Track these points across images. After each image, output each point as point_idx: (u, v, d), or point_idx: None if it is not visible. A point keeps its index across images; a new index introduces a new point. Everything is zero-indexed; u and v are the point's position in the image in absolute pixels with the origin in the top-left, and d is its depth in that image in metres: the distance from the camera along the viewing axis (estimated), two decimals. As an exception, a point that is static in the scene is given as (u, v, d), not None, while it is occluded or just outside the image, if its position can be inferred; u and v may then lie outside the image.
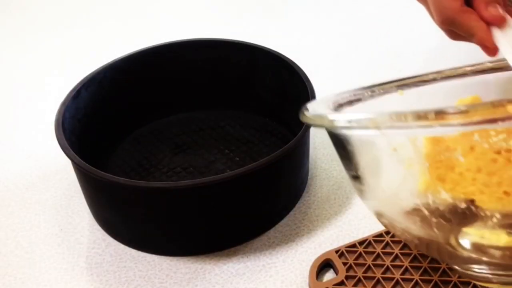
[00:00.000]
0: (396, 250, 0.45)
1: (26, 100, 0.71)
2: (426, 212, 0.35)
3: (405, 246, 0.45)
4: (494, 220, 0.35)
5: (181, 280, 0.45)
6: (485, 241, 0.35)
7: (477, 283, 0.40)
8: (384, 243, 0.46)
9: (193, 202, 0.45)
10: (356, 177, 0.38)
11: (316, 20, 0.86)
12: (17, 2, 1.00)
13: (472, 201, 0.35)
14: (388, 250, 0.45)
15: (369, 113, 0.32)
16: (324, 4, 0.91)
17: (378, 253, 0.45)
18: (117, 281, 0.46)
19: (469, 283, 0.42)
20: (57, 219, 0.52)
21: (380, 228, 0.48)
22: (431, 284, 0.42)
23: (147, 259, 0.47)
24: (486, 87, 0.45)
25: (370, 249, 0.45)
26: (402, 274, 0.43)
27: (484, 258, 0.35)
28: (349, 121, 0.33)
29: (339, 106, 0.41)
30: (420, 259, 0.44)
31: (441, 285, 0.42)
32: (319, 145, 0.59)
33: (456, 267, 0.40)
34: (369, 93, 0.44)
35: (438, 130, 0.33)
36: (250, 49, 0.60)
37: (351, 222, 0.50)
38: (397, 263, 0.44)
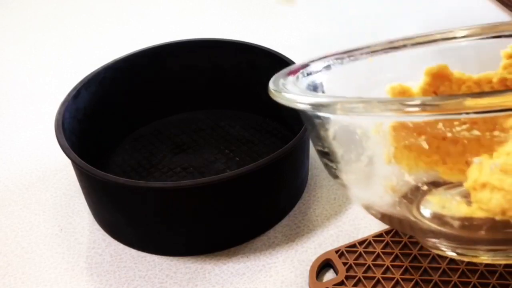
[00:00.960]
0: (396, 250, 0.45)
1: (26, 100, 0.71)
2: (391, 192, 0.36)
3: (405, 246, 0.45)
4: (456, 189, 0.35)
5: (181, 280, 0.45)
6: (446, 211, 0.35)
7: (436, 251, 0.40)
8: (384, 243, 0.46)
9: (193, 202, 0.45)
10: (324, 153, 0.38)
11: (317, 20, 0.86)
12: (17, 1, 1.00)
13: (433, 183, 0.35)
14: (388, 250, 0.45)
15: (334, 97, 0.32)
16: (325, 3, 0.91)
17: (378, 253, 0.45)
18: (117, 281, 0.46)
19: (469, 283, 0.42)
20: (57, 219, 0.52)
21: (380, 228, 0.48)
22: (431, 284, 0.42)
23: (147, 259, 0.47)
24: (457, 54, 0.46)
25: (370, 249, 0.45)
26: (402, 274, 0.43)
27: (443, 229, 0.35)
28: (314, 104, 0.33)
29: (308, 75, 0.42)
30: (420, 259, 0.44)
31: (441, 285, 0.42)
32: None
33: (418, 239, 0.40)
34: (339, 60, 0.44)
35: (401, 119, 0.34)
36: (250, 49, 0.60)
37: (351, 222, 0.50)
38: (397, 263, 0.44)
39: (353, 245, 0.46)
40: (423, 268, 0.43)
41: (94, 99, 0.56)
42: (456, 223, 0.34)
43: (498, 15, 0.82)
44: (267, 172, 0.46)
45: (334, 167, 0.38)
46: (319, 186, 0.54)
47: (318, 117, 0.36)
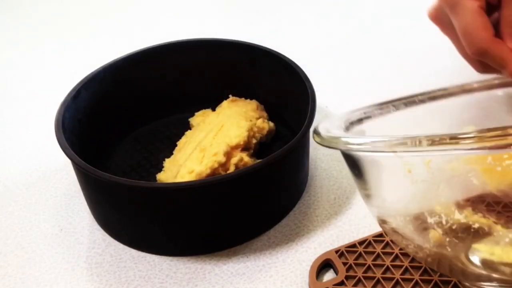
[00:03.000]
0: (396, 250, 0.45)
1: (26, 100, 0.71)
2: (440, 231, 0.35)
3: (405, 246, 0.45)
4: (506, 239, 0.35)
5: (181, 280, 0.45)
6: (495, 258, 0.35)
7: None
8: (384, 243, 0.46)
9: (193, 202, 0.45)
10: (368, 195, 0.38)
11: (317, 20, 0.86)
12: (17, 2, 1.00)
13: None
14: (388, 250, 0.45)
15: (383, 136, 0.32)
16: (325, 3, 0.91)
17: (378, 253, 0.45)
18: (117, 281, 0.46)
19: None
20: (57, 219, 0.52)
21: (380, 228, 0.48)
22: (431, 284, 0.42)
23: (147, 259, 0.47)
24: (492, 103, 0.45)
25: (370, 249, 0.45)
26: (402, 274, 0.43)
27: (495, 275, 0.35)
28: (362, 144, 0.33)
29: (350, 125, 0.42)
30: (420, 259, 0.44)
31: (441, 285, 0.42)
32: (319, 145, 0.59)
33: (467, 284, 0.40)
34: (379, 110, 0.44)
35: (451, 153, 0.33)
36: (250, 49, 0.60)
37: (351, 222, 0.50)
38: (397, 263, 0.44)
39: (353, 245, 0.46)
40: (423, 268, 0.43)
41: (94, 99, 0.56)
42: (507, 270, 0.34)
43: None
44: (267, 172, 0.46)
45: (380, 206, 0.38)
46: (319, 186, 0.54)
47: (363, 162, 0.36)
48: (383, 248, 0.45)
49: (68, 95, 0.53)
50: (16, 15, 0.96)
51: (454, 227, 0.35)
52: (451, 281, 0.42)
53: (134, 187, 0.44)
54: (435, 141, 0.29)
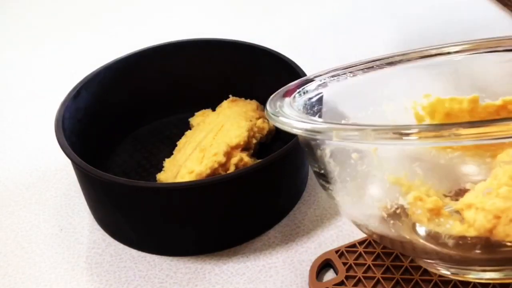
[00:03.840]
0: (396, 250, 0.45)
1: (26, 100, 0.71)
2: (385, 215, 0.37)
3: (405, 246, 0.45)
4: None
5: (181, 280, 0.45)
6: (440, 229, 0.36)
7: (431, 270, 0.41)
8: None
9: (193, 202, 0.45)
10: (320, 174, 0.39)
11: (317, 20, 0.86)
12: (17, 2, 1.00)
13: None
14: (388, 250, 0.45)
15: (328, 124, 0.33)
16: (325, 3, 0.91)
17: (378, 253, 0.45)
18: (117, 281, 0.46)
19: (469, 283, 0.42)
20: (57, 219, 0.52)
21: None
22: (431, 284, 0.42)
23: (147, 259, 0.47)
24: (453, 68, 0.46)
25: (370, 249, 0.45)
26: (402, 274, 0.43)
27: (438, 248, 0.36)
28: (310, 131, 0.34)
29: (304, 93, 0.42)
30: (420, 259, 0.44)
31: (440, 285, 0.42)
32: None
33: (421, 263, 0.41)
34: (336, 77, 0.45)
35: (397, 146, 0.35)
36: (250, 49, 0.60)
37: (351, 222, 0.50)
38: (397, 263, 0.44)
39: (353, 245, 0.46)
40: (423, 269, 0.43)
41: (94, 99, 0.56)
42: (451, 242, 0.35)
43: (498, 15, 0.82)
44: (267, 172, 0.46)
45: (331, 188, 0.39)
46: (319, 186, 0.54)
47: (314, 139, 0.37)
48: (383, 248, 0.45)
49: (68, 95, 0.53)
50: (16, 15, 0.96)
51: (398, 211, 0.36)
52: (452, 281, 0.42)
53: (134, 187, 0.44)
54: (381, 135, 0.30)
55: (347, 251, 0.45)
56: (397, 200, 0.36)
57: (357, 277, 0.43)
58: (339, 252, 0.45)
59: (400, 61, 0.46)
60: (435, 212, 0.35)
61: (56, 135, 0.48)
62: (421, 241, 0.37)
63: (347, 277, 0.43)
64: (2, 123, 0.67)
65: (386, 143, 0.32)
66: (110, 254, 0.48)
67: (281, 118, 0.36)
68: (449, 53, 0.47)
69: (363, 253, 0.45)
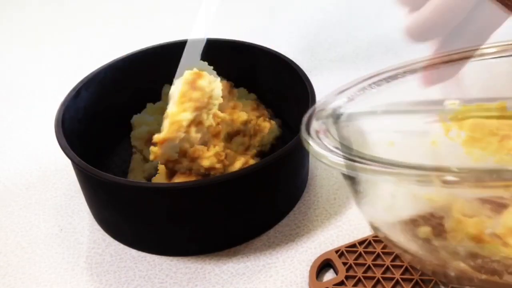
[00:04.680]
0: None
1: (26, 100, 0.71)
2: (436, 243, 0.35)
3: (405, 246, 0.45)
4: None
5: (181, 280, 0.45)
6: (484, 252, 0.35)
7: None
8: (384, 243, 0.46)
9: (193, 202, 0.45)
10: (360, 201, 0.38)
11: (317, 20, 0.86)
12: (17, 2, 1.00)
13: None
14: (388, 250, 0.45)
15: (364, 162, 0.32)
16: (325, 3, 0.91)
17: (378, 253, 0.45)
18: (117, 281, 0.46)
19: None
20: (57, 219, 0.52)
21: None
22: (431, 284, 0.42)
23: (147, 259, 0.47)
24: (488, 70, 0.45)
25: (370, 249, 0.45)
26: (402, 274, 0.43)
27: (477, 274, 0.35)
28: (350, 166, 0.33)
29: (337, 118, 0.41)
30: (420, 259, 0.44)
31: (441, 285, 0.42)
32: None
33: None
34: (361, 91, 0.44)
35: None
36: (250, 49, 0.60)
37: (351, 222, 0.50)
38: (397, 263, 0.44)
39: (353, 245, 0.46)
40: (423, 268, 0.43)
41: (94, 99, 0.56)
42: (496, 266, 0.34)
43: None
44: (267, 172, 0.46)
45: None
46: (319, 186, 0.54)
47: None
48: (383, 248, 0.45)
49: (68, 95, 0.53)
50: (16, 15, 0.96)
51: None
52: (451, 281, 0.42)
53: (134, 187, 0.44)
54: (423, 179, 0.28)
55: (347, 251, 0.45)
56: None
57: (357, 277, 0.43)
58: (339, 252, 0.45)
59: (421, 68, 0.46)
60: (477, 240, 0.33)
61: (56, 135, 0.48)
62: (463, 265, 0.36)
63: (347, 277, 0.43)
64: (2, 123, 0.67)
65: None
66: (110, 254, 0.48)
67: (317, 150, 0.34)
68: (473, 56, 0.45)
69: (363, 253, 0.45)
